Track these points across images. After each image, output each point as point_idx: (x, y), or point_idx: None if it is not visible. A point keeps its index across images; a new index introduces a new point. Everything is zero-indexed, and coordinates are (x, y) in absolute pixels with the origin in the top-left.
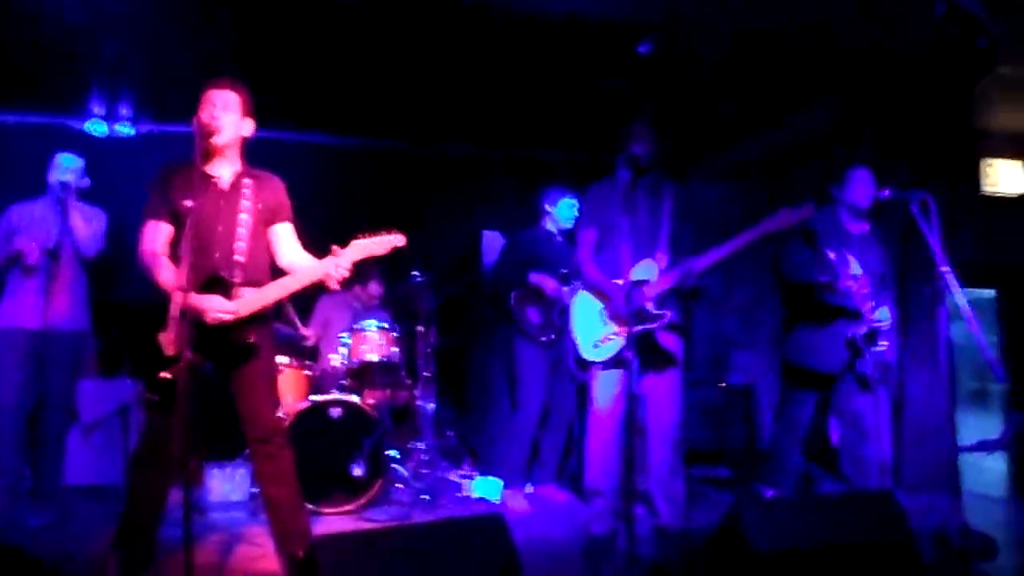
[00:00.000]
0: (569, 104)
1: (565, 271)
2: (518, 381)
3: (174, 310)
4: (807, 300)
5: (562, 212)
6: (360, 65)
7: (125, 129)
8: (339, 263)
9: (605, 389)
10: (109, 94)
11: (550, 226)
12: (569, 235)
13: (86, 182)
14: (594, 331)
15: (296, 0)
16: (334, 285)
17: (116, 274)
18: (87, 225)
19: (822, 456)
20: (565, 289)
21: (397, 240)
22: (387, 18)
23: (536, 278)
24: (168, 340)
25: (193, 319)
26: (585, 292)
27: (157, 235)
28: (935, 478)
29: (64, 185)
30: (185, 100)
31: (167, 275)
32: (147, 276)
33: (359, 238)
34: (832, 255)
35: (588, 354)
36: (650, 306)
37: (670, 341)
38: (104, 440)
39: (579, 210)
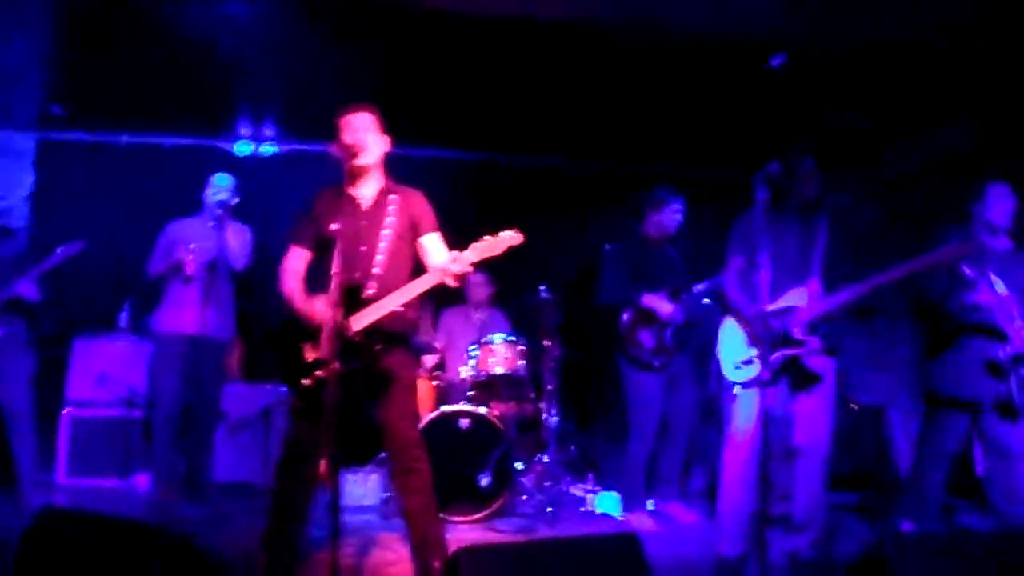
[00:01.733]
0: (698, 120)
1: (676, 285)
2: (630, 407)
3: (324, 324)
4: (948, 321)
5: (666, 217)
6: (492, 83)
7: (269, 148)
8: (458, 264)
9: (743, 410)
10: (254, 116)
11: (652, 232)
12: (673, 242)
13: (236, 200)
14: (737, 352)
15: (431, 23)
16: (452, 283)
17: (259, 285)
18: (239, 241)
19: (966, 488)
20: (677, 308)
21: (514, 238)
22: (520, 39)
23: (649, 300)
24: (311, 349)
25: (340, 333)
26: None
27: (296, 259)
28: None
29: (221, 204)
30: (323, 119)
31: (295, 290)
32: (284, 297)
33: (478, 241)
34: (969, 272)
35: (730, 375)
36: (796, 332)
37: (818, 362)
38: (249, 440)
39: (731, 236)
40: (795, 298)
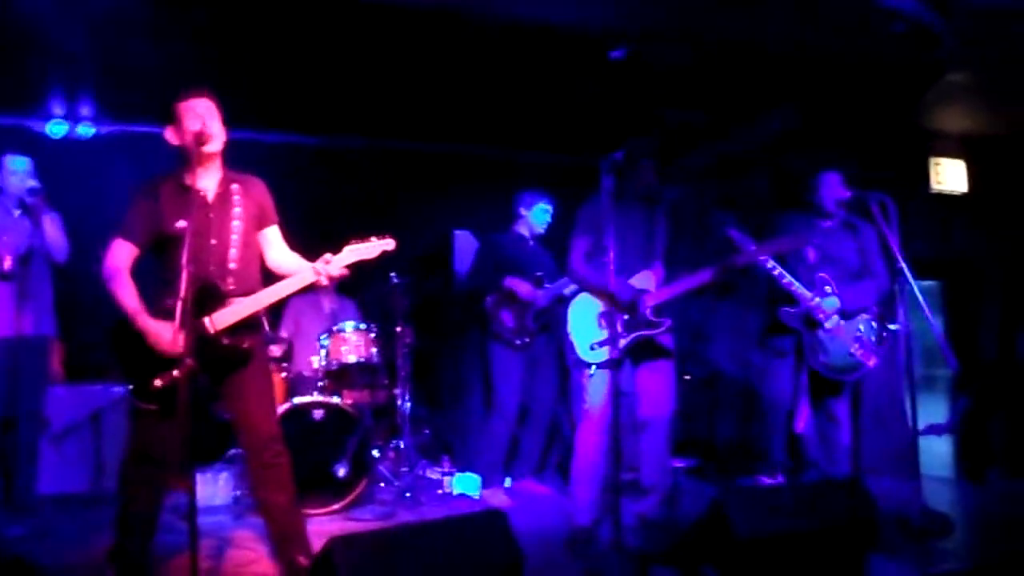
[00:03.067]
0: (543, 107)
1: (539, 274)
2: (493, 384)
3: (176, 319)
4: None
5: (537, 217)
6: (330, 63)
7: (86, 130)
8: (331, 267)
9: (599, 387)
10: (69, 95)
11: (523, 230)
12: (542, 239)
13: (35, 183)
14: (591, 334)
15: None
16: (325, 283)
17: (80, 278)
18: (56, 231)
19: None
20: (539, 292)
21: (387, 245)
22: (360, 18)
23: (511, 282)
24: (165, 344)
25: (194, 327)
26: (584, 295)
27: (123, 254)
28: (894, 462)
29: (32, 191)
30: (147, 100)
31: (127, 297)
32: (108, 292)
33: (351, 242)
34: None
35: (586, 355)
36: (649, 314)
37: (665, 340)
38: (76, 448)
39: (577, 220)
40: (643, 282)
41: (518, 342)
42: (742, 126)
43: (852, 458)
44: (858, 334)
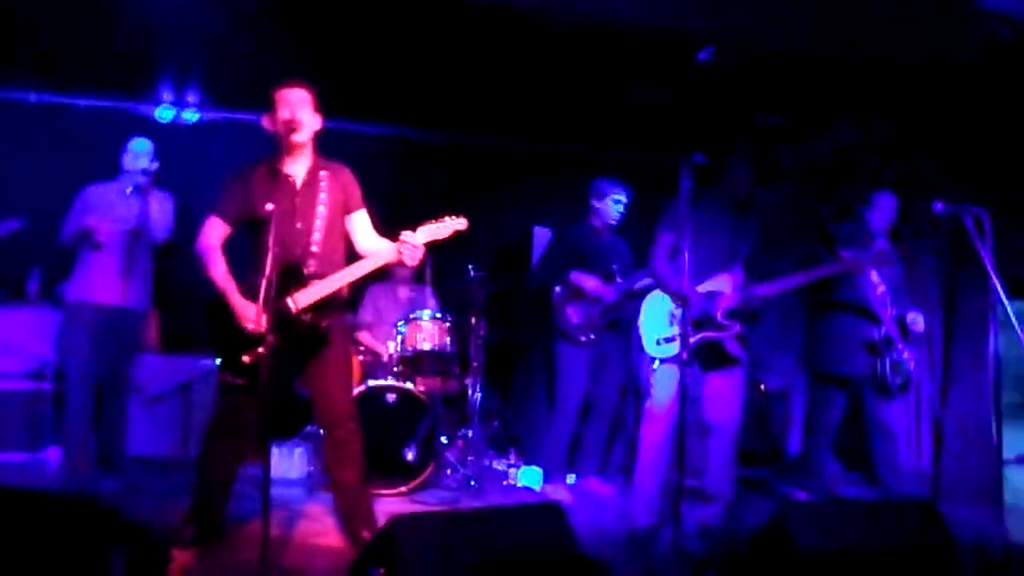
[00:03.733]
0: (629, 105)
1: (613, 267)
2: (557, 379)
3: (260, 298)
4: (828, 301)
5: (610, 207)
6: (420, 58)
7: (191, 115)
8: (410, 245)
9: (664, 387)
10: (178, 81)
11: (596, 222)
12: (617, 231)
13: (155, 165)
14: (660, 329)
15: None
16: (409, 263)
17: (179, 256)
18: (162, 211)
19: (855, 461)
20: (608, 288)
21: (460, 224)
22: (453, 15)
23: (576, 277)
24: (249, 323)
25: (281, 310)
26: (658, 292)
27: (216, 232)
28: (977, 490)
29: (145, 172)
30: (249, 87)
31: (218, 272)
32: (200, 266)
33: (425, 223)
34: (849, 255)
35: (651, 350)
36: (719, 315)
37: (734, 347)
38: (166, 414)
39: (663, 215)
40: (720, 284)
41: (583, 338)
42: (834, 133)
43: (929, 481)
44: (911, 352)
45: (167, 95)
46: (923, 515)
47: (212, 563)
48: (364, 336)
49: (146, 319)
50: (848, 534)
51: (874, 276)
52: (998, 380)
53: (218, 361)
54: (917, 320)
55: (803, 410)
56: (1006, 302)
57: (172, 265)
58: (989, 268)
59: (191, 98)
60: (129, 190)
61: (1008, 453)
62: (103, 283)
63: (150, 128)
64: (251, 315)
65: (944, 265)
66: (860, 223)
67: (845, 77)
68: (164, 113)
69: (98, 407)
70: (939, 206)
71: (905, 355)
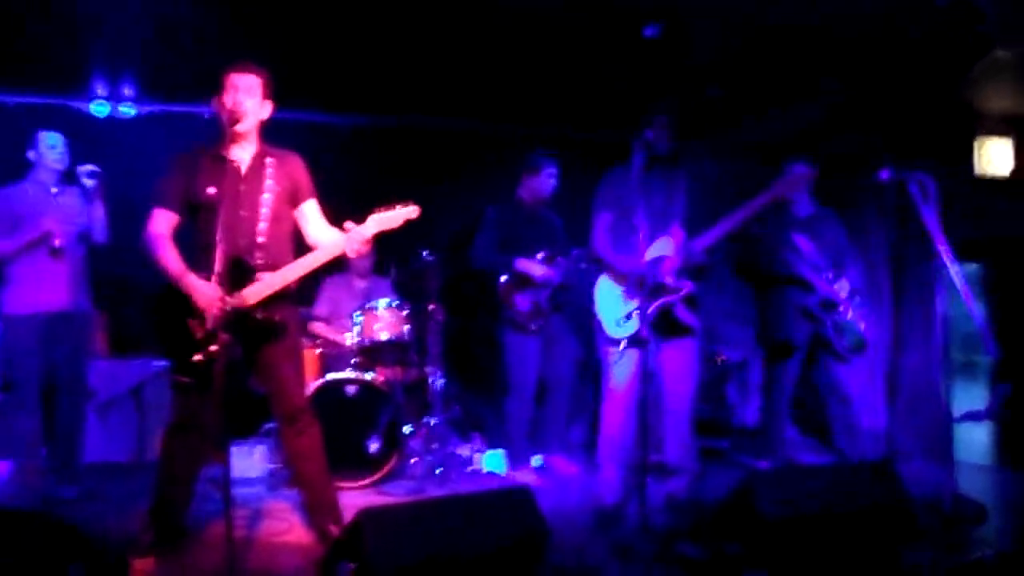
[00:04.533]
0: (578, 84)
1: (552, 248)
2: (508, 368)
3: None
4: (764, 278)
5: (544, 181)
6: (365, 42)
7: (128, 110)
8: (358, 237)
9: (623, 367)
10: (111, 75)
11: (526, 196)
12: (549, 205)
13: (94, 167)
14: (617, 309)
15: None
16: (353, 255)
17: (118, 254)
18: (103, 213)
19: (811, 426)
20: (552, 272)
21: (411, 212)
22: None
23: (523, 264)
24: (198, 324)
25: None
26: (606, 275)
27: (164, 222)
28: (928, 447)
29: (94, 173)
30: (189, 80)
31: (172, 261)
32: (151, 259)
33: (375, 211)
34: (770, 243)
35: (613, 332)
36: (669, 280)
37: (687, 315)
38: (119, 419)
39: (596, 194)
40: (661, 248)
41: (533, 326)
42: (782, 105)
43: (885, 441)
44: (860, 314)
45: (101, 90)
46: (880, 476)
47: (174, 568)
48: (320, 327)
49: (90, 321)
50: (810, 499)
51: (802, 244)
52: (946, 340)
53: (169, 362)
54: (843, 286)
55: (760, 381)
56: (951, 265)
57: (115, 266)
58: (934, 232)
59: (127, 91)
60: (55, 190)
61: (959, 411)
62: (50, 289)
63: (85, 124)
64: (212, 293)
65: (891, 231)
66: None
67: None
68: (99, 108)
69: (48, 415)
70: (885, 174)
71: (849, 316)
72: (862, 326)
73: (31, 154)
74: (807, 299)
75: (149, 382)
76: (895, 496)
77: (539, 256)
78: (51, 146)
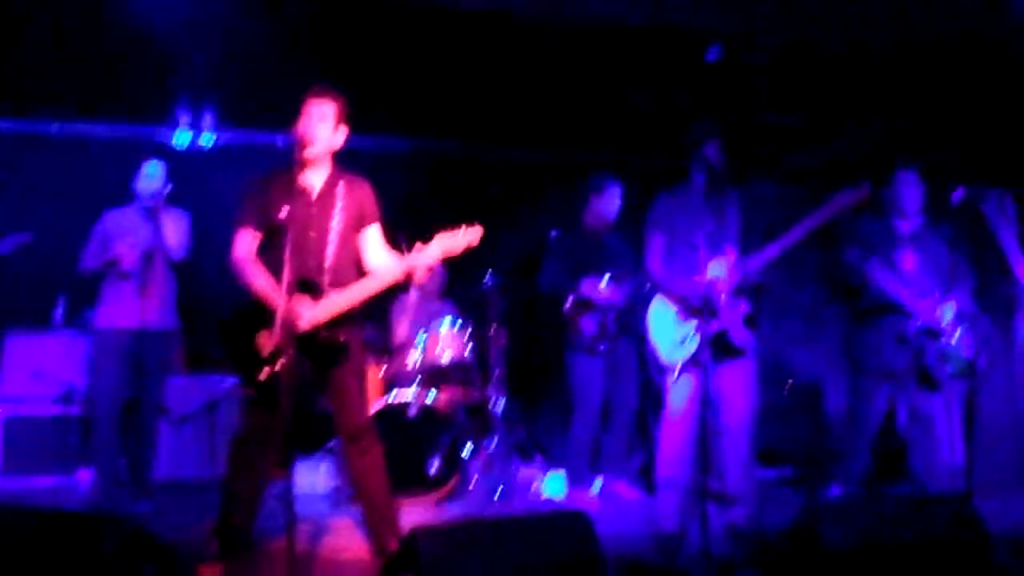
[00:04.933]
0: (636, 110)
1: (619, 271)
2: (573, 391)
3: (278, 313)
4: (862, 301)
5: (607, 202)
6: (434, 70)
7: (208, 138)
8: (422, 259)
9: (680, 392)
10: (194, 104)
11: (594, 220)
12: (616, 228)
13: (169, 187)
14: (672, 333)
15: (378, 10)
16: (417, 279)
17: (199, 275)
18: (176, 230)
19: (888, 455)
20: (618, 293)
21: (475, 235)
22: (466, 27)
23: (587, 289)
24: (265, 340)
25: (296, 326)
26: (661, 297)
27: (249, 242)
28: (1009, 481)
29: (154, 194)
30: (264, 109)
31: (259, 280)
32: (240, 280)
33: (439, 234)
34: (866, 265)
35: (669, 356)
36: (724, 299)
37: (742, 337)
38: (192, 435)
39: (649, 216)
40: (716, 269)
41: (600, 348)
42: (848, 127)
43: (963, 476)
44: (967, 338)
45: (184, 119)
46: (955, 508)
47: None
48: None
49: (172, 339)
50: (878, 529)
51: (905, 263)
52: None
53: (238, 377)
54: (949, 309)
55: (836, 407)
56: None
57: (193, 284)
58: (1011, 253)
59: (207, 120)
60: (143, 213)
61: None
62: (125, 308)
63: (168, 154)
64: (302, 309)
65: (967, 253)
66: (887, 209)
67: (856, 72)
68: (181, 137)
69: (127, 430)
70: (958, 194)
71: (954, 341)
72: (970, 351)
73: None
74: (903, 325)
75: (223, 399)
76: (970, 530)
77: (602, 280)
78: (147, 175)
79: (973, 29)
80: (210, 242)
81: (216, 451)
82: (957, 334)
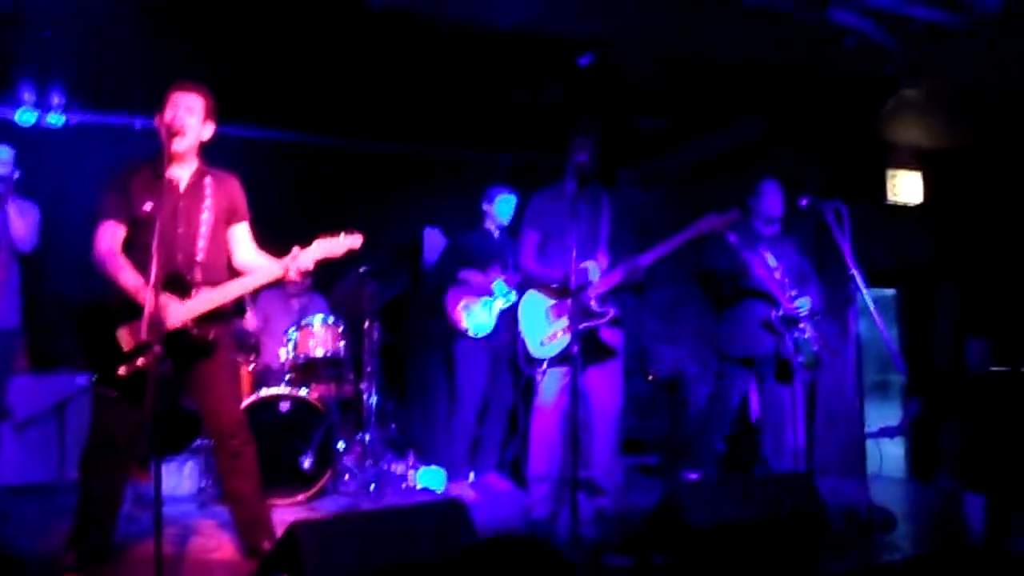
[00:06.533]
0: (509, 109)
1: (496, 267)
2: (456, 377)
3: (146, 308)
4: (727, 291)
5: (500, 209)
6: (308, 61)
7: (56, 119)
8: (299, 263)
9: (551, 384)
10: (40, 82)
11: (489, 225)
12: (509, 231)
13: (17, 173)
14: (541, 329)
15: None
16: (293, 278)
17: (47, 267)
18: (24, 220)
19: (737, 439)
20: (492, 281)
21: (354, 241)
22: (335, 18)
23: (465, 274)
24: (127, 336)
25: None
26: (533, 292)
27: (114, 236)
28: (844, 461)
29: (1, 179)
30: (119, 89)
31: (127, 275)
32: (104, 275)
33: (320, 238)
34: (744, 252)
35: (537, 351)
36: (594, 304)
37: (611, 336)
38: (38, 438)
39: (524, 214)
40: (588, 272)
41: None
42: (707, 134)
43: (805, 456)
44: (816, 333)
45: (28, 96)
46: (797, 486)
47: None
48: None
49: (15, 338)
50: (731, 508)
51: (771, 260)
52: (860, 360)
53: (92, 374)
54: (805, 304)
55: (692, 398)
56: (864, 289)
57: (38, 279)
58: (848, 257)
59: (56, 100)
60: None
61: (873, 427)
62: None
63: (10, 133)
64: (173, 305)
65: (808, 255)
66: (750, 215)
67: (717, 81)
68: (25, 116)
69: None
70: (804, 201)
71: (807, 335)
72: (816, 345)
73: None
74: (770, 313)
75: (72, 399)
76: (812, 505)
77: (488, 273)
78: None
79: (812, 53)
80: (59, 232)
81: (65, 454)
82: (808, 328)
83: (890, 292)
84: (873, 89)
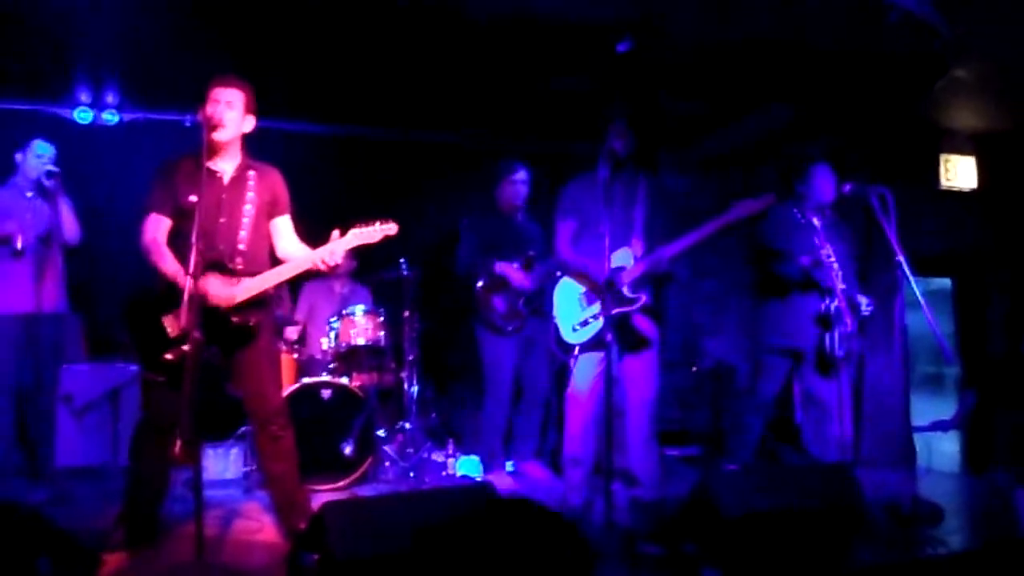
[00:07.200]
0: (547, 98)
1: (530, 254)
2: (485, 369)
3: (185, 294)
4: (781, 272)
5: (509, 187)
6: (351, 55)
7: (110, 117)
8: (334, 250)
9: (584, 370)
10: (95, 82)
11: (502, 205)
12: (528, 212)
13: (57, 170)
14: (574, 315)
15: None
16: (325, 268)
17: (104, 259)
18: (69, 214)
19: (784, 430)
20: (530, 276)
21: (389, 229)
22: (372, 11)
23: (501, 267)
24: (172, 322)
25: (200, 303)
26: (567, 278)
27: (159, 227)
28: (891, 455)
29: (51, 173)
30: (171, 88)
31: (170, 264)
32: (149, 264)
33: (355, 227)
34: (806, 236)
35: (569, 337)
36: (626, 290)
37: (645, 324)
38: (95, 423)
39: (559, 203)
40: (622, 258)
41: (509, 328)
42: (747, 118)
43: (851, 448)
44: (856, 326)
45: (84, 96)
46: (834, 477)
47: (145, 564)
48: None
49: (65, 323)
50: (764, 497)
51: (827, 250)
52: (907, 352)
53: (140, 360)
54: (863, 303)
55: (736, 389)
56: (911, 277)
57: (94, 269)
58: (894, 245)
59: (110, 99)
60: (30, 194)
61: (926, 421)
62: (18, 292)
63: (68, 130)
64: (216, 288)
65: (855, 244)
66: (800, 200)
67: (756, 64)
68: (82, 115)
69: (22, 418)
70: (847, 187)
71: (850, 329)
72: (859, 344)
73: (18, 156)
74: (822, 305)
75: (126, 386)
76: (847, 496)
77: (515, 265)
78: (38, 155)
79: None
80: (112, 225)
81: (119, 439)
82: (850, 323)
83: (945, 282)
84: (921, 68)
